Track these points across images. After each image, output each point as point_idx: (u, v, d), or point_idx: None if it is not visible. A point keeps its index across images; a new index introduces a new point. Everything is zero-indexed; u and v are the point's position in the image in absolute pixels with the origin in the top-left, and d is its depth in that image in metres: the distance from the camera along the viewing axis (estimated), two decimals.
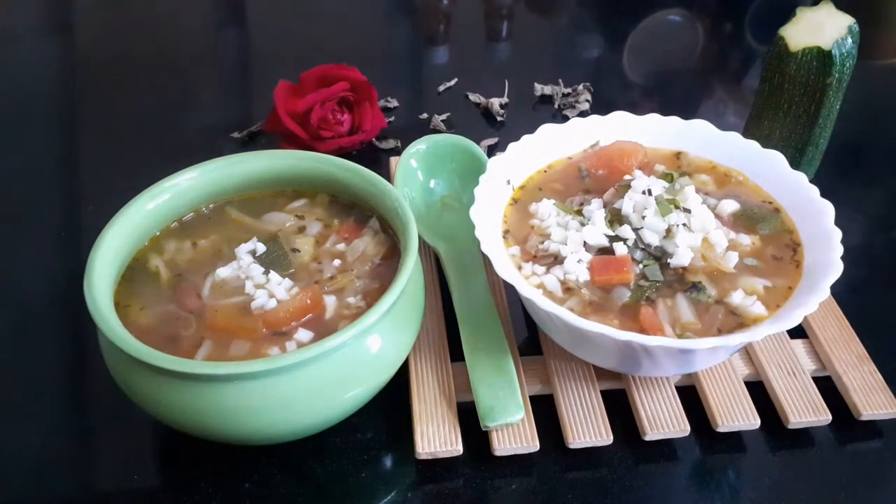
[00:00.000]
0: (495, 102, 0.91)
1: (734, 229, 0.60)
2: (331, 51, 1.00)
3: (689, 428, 0.55)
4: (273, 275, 0.53)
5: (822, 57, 0.66)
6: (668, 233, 0.57)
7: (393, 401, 0.56)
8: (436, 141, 0.72)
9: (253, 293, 0.52)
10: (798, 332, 0.62)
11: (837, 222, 0.57)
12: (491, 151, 0.83)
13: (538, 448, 0.54)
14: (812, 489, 0.54)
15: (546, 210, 0.60)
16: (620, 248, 0.56)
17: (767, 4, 1.21)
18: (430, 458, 0.53)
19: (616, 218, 0.58)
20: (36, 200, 0.77)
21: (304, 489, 0.53)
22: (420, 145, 0.71)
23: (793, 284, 0.56)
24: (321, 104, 0.79)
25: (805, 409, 0.56)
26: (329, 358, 0.47)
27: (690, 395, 0.58)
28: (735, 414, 0.56)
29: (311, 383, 0.47)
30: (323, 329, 0.51)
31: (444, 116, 0.89)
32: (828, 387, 0.59)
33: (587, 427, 0.55)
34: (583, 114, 0.89)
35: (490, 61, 1.08)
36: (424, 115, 0.90)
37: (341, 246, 0.57)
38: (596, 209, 0.59)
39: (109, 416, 0.57)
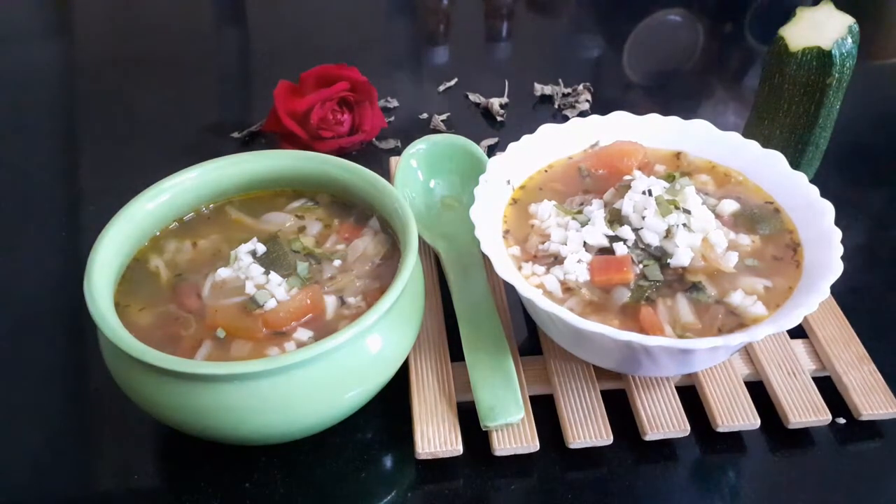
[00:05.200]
0: (495, 102, 0.91)
1: (734, 229, 0.60)
2: (331, 51, 1.00)
3: (689, 428, 0.55)
4: (273, 275, 0.53)
5: (822, 57, 0.66)
6: (668, 233, 0.57)
7: (393, 401, 0.56)
8: (436, 141, 0.72)
9: (253, 293, 0.52)
10: (798, 332, 0.62)
11: (837, 222, 0.57)
12: (491, 151, 0.83)
13: (538, 448, 0.54)
14: (812, 489, 0.54)
15: (546, 211, 0.60)
16: (620, 248, 0.56)
17: (767, 4, 1.21)
18: (430, 458, 0.53)
19: (616, 218, 0.58)
20: (36, 200, 0.77)
21: (304, 489, 0.53)
22: (420, 145, 0.71)
23: (793, 284, 0.56)
24: (321, 104, 0.79)
25: (805, 409, 0.56)
26: (329, 358, 0.47)
27: (690, 395, 0.58)
28: (735, 414, 0.56)
29: (311, 383, 0.47)
30: (323, 329, 0.51)
31: (444, 116, 0.90)
32: (828, 387, 0.59)
33: (587, 427, 0.55)
34: (583, 114, 0.89)
35: (490, 61, 1.08)
36: (424, 115, 0.90)
37: (341, 246, 0.57)
38: (596, 209, 0.59)
39: (109, 416, 0.57)
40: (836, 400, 0.58)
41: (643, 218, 0.57)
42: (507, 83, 0.95)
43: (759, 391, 0.58)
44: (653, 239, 0.57)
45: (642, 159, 0.65)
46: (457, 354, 0.59)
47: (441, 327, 0.61)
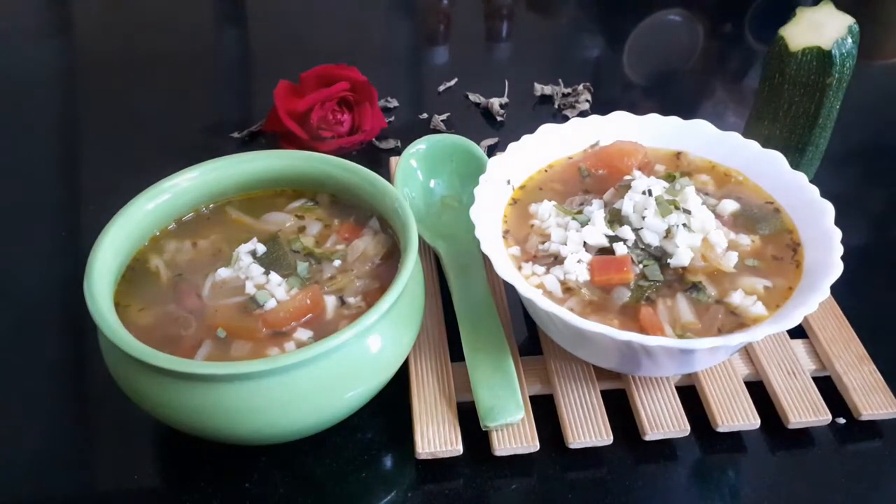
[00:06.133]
0: (495, 102, 0.91)
1: (734, 229, 0.60)
2: (331, 51, 1.00)
3: (689, 428, 0.55)
4: (273, 275, 0.53)
5: (822, 57, 0.66)
6: (668, 233, 0.57)
7: (393, 401, 0.56)
8: (436, 141, 0.72)
9: (253, 293, 0.52)
10: (798, 332, 0.62)
11: (837, 222, 0.57)
12: (491, 151, 0.83)
13: (538, 448, 0.54)
14: (812, 489, 0.54)
15: (546, 211, 0.60)
16: (620, 248, 0.56)
17: (767, 4, 1.21)
18: (430, 458, 0.53)
19: (616, 218, 0.58)
20: (36, 200, 0.77)
21: (304, 489, 0.53)
22: (420, 145, 0.71)
23: (793, 284, 0.56)
24: (321, 104, 0.79)
25: (805, 409, 0.56)
26: (329, 358, 0.47)
27: (690, 395, 0.58)
28: (735, 414, 0.56)
29: (311, 383, 0.47)
30: (323, 329, 0.51)
31: (444, 116, 0.89)
32: (828, 387, 0.59)
33: (587, 427, 0.55)
34: (583, 114, 0.89)
35: (490, 61, 1.08)
36: (424, 115, 0.90)
37: (341, 246, 0.57)
38: (596, 209, 0.59)
39: (109, 416, 0.57)
40: (836, 400, 0.58)
41: (643, 218, 0.57)
42: (507, 83, 0.95)
43: (759, 391, 0.58)
44: (653, 239, 0.57)
45: (642, 159, 0.65)
46: (457, 354, 0.59)
47: (441, 327, 0.61)
